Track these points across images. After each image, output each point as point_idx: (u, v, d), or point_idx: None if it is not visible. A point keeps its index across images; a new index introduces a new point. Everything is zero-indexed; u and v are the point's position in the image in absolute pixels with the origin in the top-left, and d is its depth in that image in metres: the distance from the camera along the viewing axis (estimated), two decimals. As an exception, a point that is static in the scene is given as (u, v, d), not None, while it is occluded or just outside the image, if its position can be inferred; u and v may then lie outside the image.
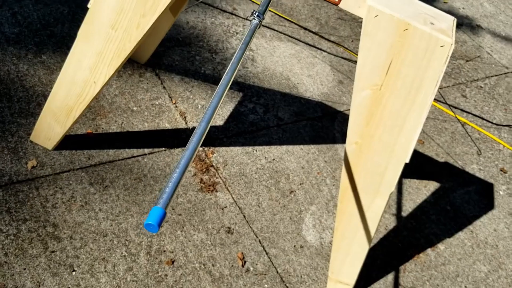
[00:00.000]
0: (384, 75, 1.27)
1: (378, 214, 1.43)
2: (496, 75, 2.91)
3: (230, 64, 0.89)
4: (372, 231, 1.46)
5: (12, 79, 1.79)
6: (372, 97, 1.30)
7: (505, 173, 2.25)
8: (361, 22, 2.83)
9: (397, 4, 1.26)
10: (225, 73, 0.87)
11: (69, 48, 1.98)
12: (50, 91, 1.79)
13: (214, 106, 0.78)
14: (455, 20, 1.32)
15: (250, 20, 1.02)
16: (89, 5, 1.38)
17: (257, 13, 1.03)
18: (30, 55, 1.90)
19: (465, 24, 3.31)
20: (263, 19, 1.05)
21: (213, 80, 2.14)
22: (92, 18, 1.39)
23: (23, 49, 1.91)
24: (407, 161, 1.33)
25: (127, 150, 1.73)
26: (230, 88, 2.14)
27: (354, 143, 1.36)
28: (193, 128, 1.90)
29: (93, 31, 1.41)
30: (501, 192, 2.14)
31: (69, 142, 1.67)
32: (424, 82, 1.24)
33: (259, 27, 1.04)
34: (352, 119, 1.35)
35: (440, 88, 2.63)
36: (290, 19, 2.70)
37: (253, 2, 2.71)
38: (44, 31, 2.02)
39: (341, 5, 1.26)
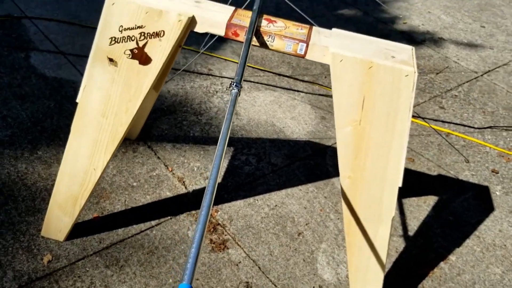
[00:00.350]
0: (361, 111, 1.36)
1: (385, 241, 1.49)
2: (467, 81, 3.04)
3: (220, 135, 0.97)
4: (383, 257, 1.51)
5: (13, 180, 1.86)
6: (354, 132, 1.39)
7: (497, 173, 2.32)
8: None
9: (358, 46, 1.37)
10: (218, 145, 0.95)
11: (61, 139, 2.08)
12: (51, 185, 1.86)
13: (214, 178, 0.86)
14: (413, 48, 1.43)
15: (230, 91, 1.11)
16: (78, 100, 1.47)
17: (235, 83, 1.12)
18: (26, 154, 1.98)
19: (427, 39, 3.48)
20: (241, 87, 1.14)
21: (203, 141, 2.23)
22: (83, 111, 1.48)
23: (19, 149, 1.99)
24: (400, 185, 1.40)
25: (134, 226, 1.78)
26: (221, 145, 2.23)
27: (348, 178, 1.44)
28: (193, 190, 1.97)
29: (86, 122, 1.49)
30: (497, 193, 2.21)
31: (78, 230, 1.73)
32: (398, 110, 1.33)
33: (239, 95, 1.13)
34: (340, 155, 1.43)
35: (418, 104, 2.74)
36: (263, 69, 2.83)
37: (226, 60, 2.84)
38: (35, 128, 2.11)
39: (307, 57, 1.37)
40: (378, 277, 1.54)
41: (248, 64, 2.84)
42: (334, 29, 1.44)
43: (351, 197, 1.46)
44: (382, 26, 3.56)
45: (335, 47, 1.33)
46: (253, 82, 2.71)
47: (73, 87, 2.39)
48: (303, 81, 2.79)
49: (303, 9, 3.62)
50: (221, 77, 2.70)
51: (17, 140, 2.03)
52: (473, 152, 2.44)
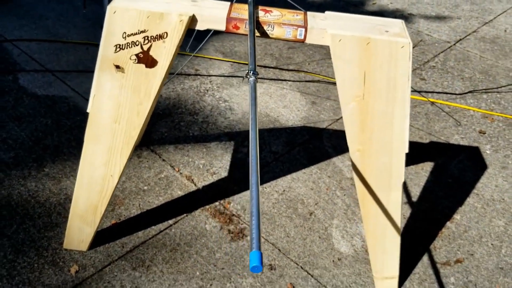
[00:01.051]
0: (363, 85, 1.44)
1: (398, 206, 1.57)
2: (442, 51, 3.17)
3: (250, 122, 1.03)
4: (398, 222, 1.60)
5: (26, 199, 1.88)
6: (359, 107, 1.46)
7: (484, 133, 2.45)
8: (310, 45, 3.06)
9: (353, 24, 1.45)
10: (250, 130, 1.01)
11: (65, 154, 2.10)
12: (64, 199, 1.88)
13: (255, 162, 0.92)
14: (403, 21, 1.51)
15: (248, 79, 1.17)
16: (88, 110, 1.51)
17: (251, 71, 1.18)
18: (34, 172, 2.00)
19: (398, 16, 3.60)
20: (258, 74, 1.20)
21: (204, 138, 2.28)
22: (94, 120, 1.52)
23: (25, 169, 2.01)
24: (407, 151, 1.49)
25: (153, 227, 1.83)
26: (222, 140, 2.28)
27: (357, 151, 1.52)
28: (203, 187, 2.02)
29: (99, 130, 1.53)
30: (487, 151, 2.34)
31: (99, 238, 1.76)
32: (397, 81, 1.42)
33: (257, 82, 1.19)
34: (348, 130, 1.50)
35: (400, 79, 2.85)
36: (248, 63, 2.88)
37: (211, 58, 2.89)
38: (37, 146, 2.12)
39: (307, 41, 1.44)
40: (395, 241, 1.63)
41: (233, 60, 2.90)
42: (327, 12, 1.51)
43: (362, 169, 1.54)
44: (354, 9, 3.66)
45: (333, 29, 1.41)
46: (241, 77, 2.77)
47: (66, 103, 2.40)
48: (288, 70, 2.87)
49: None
50: (209, 75, 2.75)
51: (22, 160, 2.05)
52: (458, 117, 2.56)
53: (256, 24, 1.43)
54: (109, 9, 1.40)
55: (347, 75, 1.43)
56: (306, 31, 1.42)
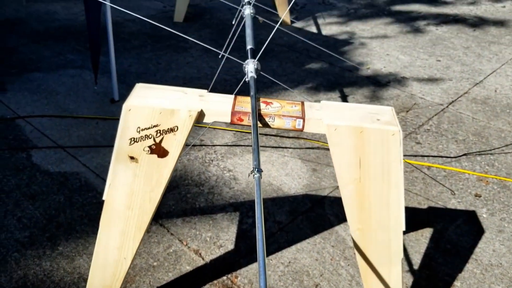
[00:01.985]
0: (359, 169, 1.55)
1: (399, 280, 1.65)
2: (435, 114, 3.31)
3: (256, 220, 1.13)
4: (399, 295, 1.67)
5: (41, 279, 1.95)
6: (356, 189, 1.57)
7: (480, 197, 2.54)
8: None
9: (346, 114, 1.58)
10: (257, 229, 1.10)
11: (78, 231, 2.19)
12: (77, 278, 1.96)
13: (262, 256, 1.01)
14: (393, 108, 1.64)
15: (253, 176, 1.28)
16: (104, 197, 1.61)
17: (256, 169, 1.29)
18: (48, 251, 2.08)
19: (392, 80, 3.78)
20: (262, 171, 1.31)
21: (210, 210, 2.38)
22: (109, 206, 1.62)
23: (40, 248, 2.09)
24: (404, 229, 1.58)
25: (164, 304, 1.89)
26: (227, 211, 2.38)
27: (357, 230, 1.61)
28: (211, 260, 2.09)
29: (113, 217, 1.63)
30: (484, 215, 2.42)
31: (112, 317, 1.82)
32: (390, 165, 1.53)
33: (261, 178, 1.30)
34: (347, 210, 1.60)
35: (396, 143, 2.97)
36: (249, 131, 3.02)
37: (214, 128, 3.03)
38: (51, 224, 2.22)
39: (305, 130, 1.56)
40: (398, 314, 1.69)
41: (236, 129, 3.03)
42: (323, 102, 1.65)
43: (363, 247, 1.63)
44: (349, 74, 3.85)
45: (328, 119, 1.53)
46: (243, 145, 2.89)
47: (78, 179, 2.52)
48: (288, 137, 3.00)
49: (274, 69, 3.90)
50: (214, 145, 2.88)
51: (36, 239, 2.13)
52: (455, 181, 2.66)
53: (258, 116, 1.56)
54: (125, 107, 1.54)
55: (344, 160, 1.54)
56: (304, 121, 1.55)
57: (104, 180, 2.50)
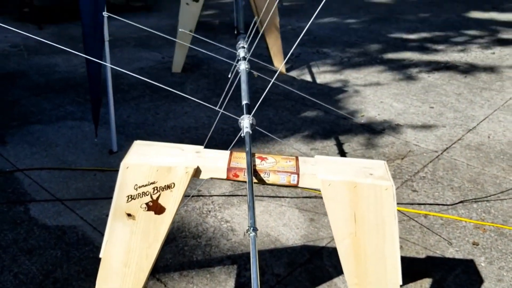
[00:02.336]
0: (354, 224, 1.57)
1: (398, 335, 1.63)
2: (430, 161, 3.35)
3: (252, 283, 1.14)
4: None
5: (35, 338, 1.92)
6: (352, 243, 1.58)
7: (477, 245, 2.54)
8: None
9: (340, 169, 1.61)
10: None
11: (74, 287, 2.17)
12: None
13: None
14: (385, 162, 1.68)
15: (249, 234, 1.30)
16: (101, 255, 1.62)
17: (251, 228, 1.31)
18: (43, 308, 2.05)
19: (386, 127, 3.84)
20: (257, 229, 1.33)
21: (207, 263, 2.36)
22: (106, 264, 1.62)
23: (35, 305, 2.07)
24: (401, 283, 1.58)
25: None
26: (225, 264, 2.36)
27: (355, 284, 1.61)
28: (208, 316, 2.07)
29: (110, 274, 1.63)
30: (482, 264, 2.41)
31: None
32: (385, 219, 1.55)
33: (257, 236, 1.31)
34: (344, 265, 1.60)
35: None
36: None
37: (212, 178, 3.05)
38: (48, 280, 2.20)
39: (299, 185, 1.59)
40: None
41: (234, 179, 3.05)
42: (317, 156, 1.68)
43: (360, 301, 1.62)
44: (344, 122, 3.91)
45: (322, 174, 1.57)
46: (241, 195, 2.91)
47: (75, 232, 2.52)
48: (286, 186, 3.02)
49: (270, 117, 3.97)
50: (211, 195, 2.90)
51: (32, 296, 2.11)
52: (452, 229, 2.66)
53: (254, 172, 1.59)
54: (123, 165, 1.57)
55: (339, 215, 1.56)
56: (298, 176, 1.58)
57: (101, 234, 2.50)
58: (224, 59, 2.90)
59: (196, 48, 2.97)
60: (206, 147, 1.71)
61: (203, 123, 3.83)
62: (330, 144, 3.55)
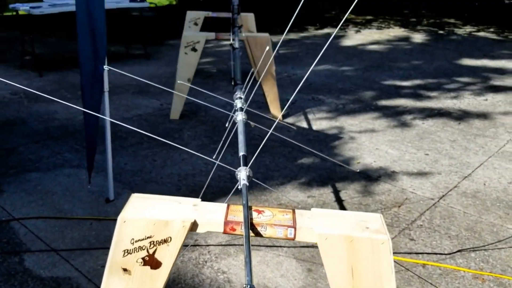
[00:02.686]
0: (351, 278, 1.56)
1: None
2: (427, 209, 3.35)
3: None
4: None
5: None
6: (350, 297, 1.57)
7: (478, 296, 2.51)
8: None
9: (336, 222, 1.62)
10: None
11: None
12: None
13: None
14: (381, 215, 1.69)
15: (245, 290, 1.29)
16: (95, 311, 1.59)
17: (249, 285, 1.30)
18: None
19: (382, 174, 3.86)
20: (254, 287, 1.32)
21: (203, 316, 2.32)
22: (100, 320, 1.60)
23: None
24: None
25: None
26: (221, 318, 2.32)
27: None
28: None
29: (104, 331, 1.60)
30: (483, 316, 2.38)
31: None
32: (382, 273, 1.54)
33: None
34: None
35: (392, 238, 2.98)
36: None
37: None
38: (39, 335, 2.15)
39: (296, 239, 1.59)
40: None
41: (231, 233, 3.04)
42: (313, 209, 1.69)
43: None
44: (340, 169, 3.94)
45: (319, 228, 1.57)
46: (238, 245, 2.89)
47: (70, 284, 2.48)
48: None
49: (267, 164, 3.99)
50: (207, 245, 2.88)
51: None
52: (450, 279, 2.63)
53: (251, 226, 1.60)
54: (120, 219, 1.57)
55: (336, 269, 1.56)
56: (295, 230, 1.58)
57: (96, 286, 2.46)
58: (221, 109, 2.95)
59: (194, 99, 3.03)
60: (203, 194, 1.73)
61: (200, 170, 3.84)
62: (327, 191, 3.56)
